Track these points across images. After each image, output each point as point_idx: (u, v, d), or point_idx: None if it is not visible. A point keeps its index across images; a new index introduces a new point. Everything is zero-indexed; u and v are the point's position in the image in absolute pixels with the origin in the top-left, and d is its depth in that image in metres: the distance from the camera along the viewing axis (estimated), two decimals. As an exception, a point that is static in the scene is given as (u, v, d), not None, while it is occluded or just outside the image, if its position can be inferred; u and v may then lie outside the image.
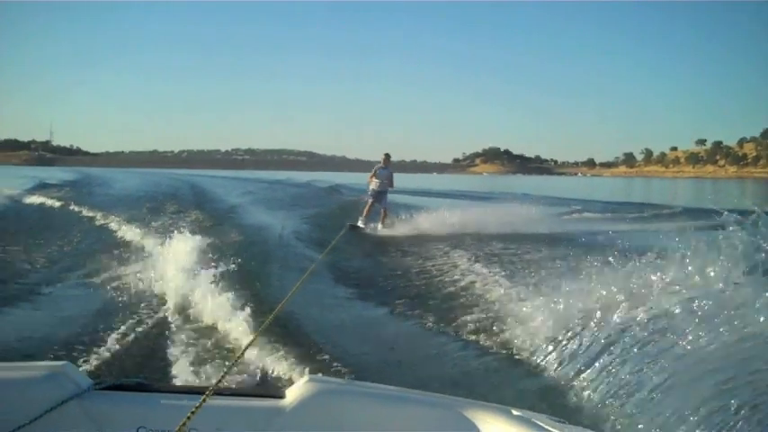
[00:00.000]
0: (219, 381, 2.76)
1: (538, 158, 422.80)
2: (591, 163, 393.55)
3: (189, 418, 2.38)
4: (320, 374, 3.94)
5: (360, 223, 20.28)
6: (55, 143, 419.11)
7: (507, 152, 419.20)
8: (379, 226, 20.34)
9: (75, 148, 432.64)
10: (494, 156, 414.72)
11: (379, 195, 20.65)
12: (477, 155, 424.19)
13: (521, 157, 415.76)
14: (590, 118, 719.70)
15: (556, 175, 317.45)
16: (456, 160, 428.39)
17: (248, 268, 11.07)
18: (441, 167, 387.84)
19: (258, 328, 7.72)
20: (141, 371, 6.75)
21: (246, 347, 4.29)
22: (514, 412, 2.82)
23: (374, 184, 20.58)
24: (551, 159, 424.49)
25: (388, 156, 20.99)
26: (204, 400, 2.50)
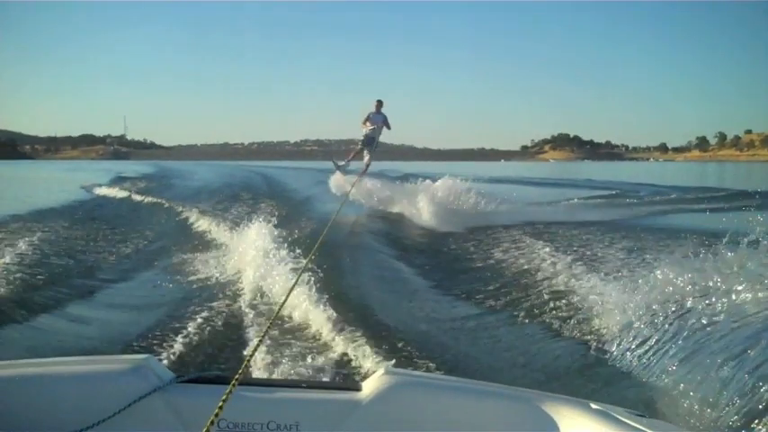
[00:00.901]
0: (243, 369, 2.69)
1: (608, 144, 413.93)
2: (663, 148, 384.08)
3: (220, 407, 2.34)
4: (396, 367, 3.89)
5: (342, 163, 21.36)
6: (129, 137, 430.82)
7: (577, 138, 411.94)
8: (364, 178, 21.06)
9: (148, 142, 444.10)
10: (563, 142, 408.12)
11: (370, 141, 20.99)
12: (545, 141, 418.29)
13: (591, 143, 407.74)
14: (663, 102, 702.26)
15: (627, 160, 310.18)
16: (524, 147, 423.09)
17: (323, 257, 11.05)
18: (508, 155, 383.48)
19: (335, 318, 7.77)
20: (218, 362, 6.81)
21: (266, 330, 4.26)
22: (593, 406, 2.76)
23: (367, 129, 20.83)
24: (622, 145, 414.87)
25: (380, 102, 21.14)
26: (230, 391, 2.45)
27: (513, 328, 8.57)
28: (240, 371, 2.61)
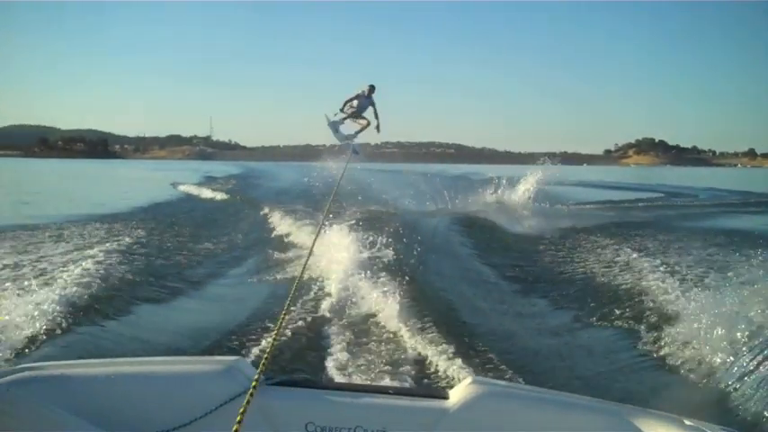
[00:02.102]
0: (260, 374, 2.71)
1: (695, 149, 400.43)
2: (752, 153, 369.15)
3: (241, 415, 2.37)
4: (481, 375, 3.82)
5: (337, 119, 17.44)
6: (214, 138, 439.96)
7: (662, 143, 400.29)
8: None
9: (233, 142, 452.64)
10: (648, 146, 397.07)
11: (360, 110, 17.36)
12: (630, 146, 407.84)
13: (676, 148, 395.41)
14: (754, 106, 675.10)
15: (713, 166, 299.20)
16: (607, 151, 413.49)
17: (408, 261, 11.04)
18: (591, 159, 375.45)
19: (410, 326, 7.75)
20: (302, 364, 6.84)
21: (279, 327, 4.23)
22: (687, 422, 2.68)
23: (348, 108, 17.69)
24: (709, 150, 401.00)
25: (372, 87, 17.97)
26: (249, 401, 2.47)
27: (600, 338, 8.40)
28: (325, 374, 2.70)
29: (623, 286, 10.66)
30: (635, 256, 12.95)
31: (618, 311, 9.25)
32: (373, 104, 16.44)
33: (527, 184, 31.18)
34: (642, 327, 8.44)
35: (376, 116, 16.34)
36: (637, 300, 9.65)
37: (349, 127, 16.09)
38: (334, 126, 16.09)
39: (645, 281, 10.59)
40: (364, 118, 16.09)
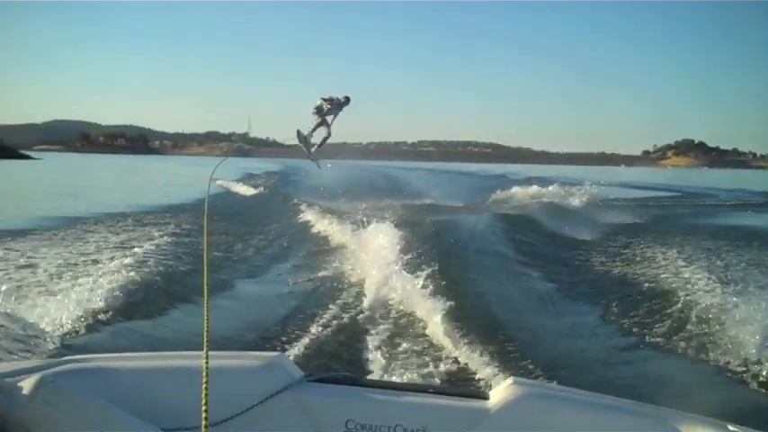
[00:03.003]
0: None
1: (735, 151, 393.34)
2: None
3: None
4: (521, 377, 3.80)
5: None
6: (252, 135, 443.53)
7: (702, 144, 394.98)
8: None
9: (270, 139, 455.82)
10: (687, 148, 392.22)
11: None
12: (668, 147, 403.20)
13: (716, 150, 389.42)
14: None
15: (753, 168, 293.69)
16: (646, 152, 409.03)
17: (446, 261, 11.00)
18: (629, 159, 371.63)
19: (450, 325, 7.69)
20: (341, 362, 6.87)
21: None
22: (731, 428, 2.62)
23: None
24: (750, 152, 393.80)
25: (348, 99, 16.92)
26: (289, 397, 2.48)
27: (641, 341, 8.26)
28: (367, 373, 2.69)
29: (666, 288, 10.56)
30: (676, 256, 12.93)
31: (661, 314, 9.16)
32: (336, 116, 16.21)
33: (564, 186, 31.21)
34: (685, 330, 8.36)
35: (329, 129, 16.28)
36: (680, 303, 9.53)
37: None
38: (307, 141, 15.85)
39: (688, 284, 10.51)
40: (328, 128, 16.03)
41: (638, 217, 23.64)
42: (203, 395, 2.37)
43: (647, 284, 11.08)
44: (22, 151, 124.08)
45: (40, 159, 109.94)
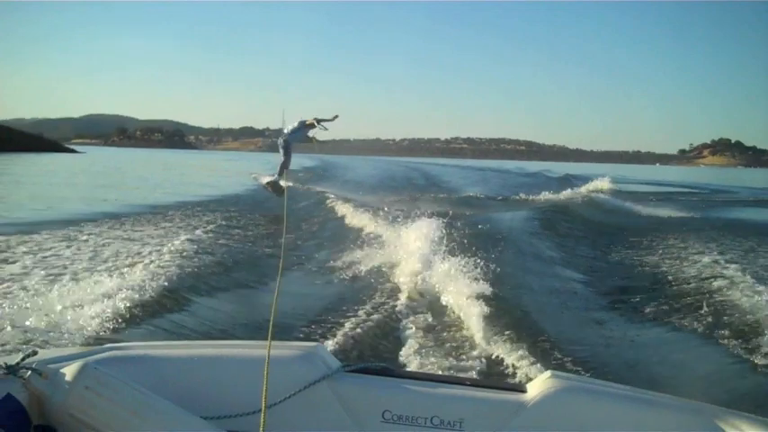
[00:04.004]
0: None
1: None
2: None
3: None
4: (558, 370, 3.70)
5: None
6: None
7: (738, 143, 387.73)
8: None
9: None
10: (723, 147, 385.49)
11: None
12: (705, 146, 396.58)
13: (753, 149, 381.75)
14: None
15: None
16: (682, 151, 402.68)
17: (483, 255, 10.96)
18: (664, 158, 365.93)
19: (487, 319, 7.68)
20: (377, 353, 6.90)
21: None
22: None
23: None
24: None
25: (316, 120, 15.65)
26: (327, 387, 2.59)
27: (679, 337, 8.23)
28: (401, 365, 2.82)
29: (706, 287, 10.46)
30: (717, 254, 12.85)
31: (700, 310, 9.06)
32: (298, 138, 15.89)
33: (604, 183, 31.35)
34: (725, 327, 8.26)
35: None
36: (722, 300, 9.50)
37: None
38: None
39: (730, 281, 10.43)
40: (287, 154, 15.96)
41: (672, 212, 23.69)
42: (264, 382, 2.50)
43: (685, 280, 11.06)
44: (66, 145, 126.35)
45: (83, 153, 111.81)
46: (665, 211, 23.90)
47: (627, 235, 17.20)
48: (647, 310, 9.43)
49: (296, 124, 15.94)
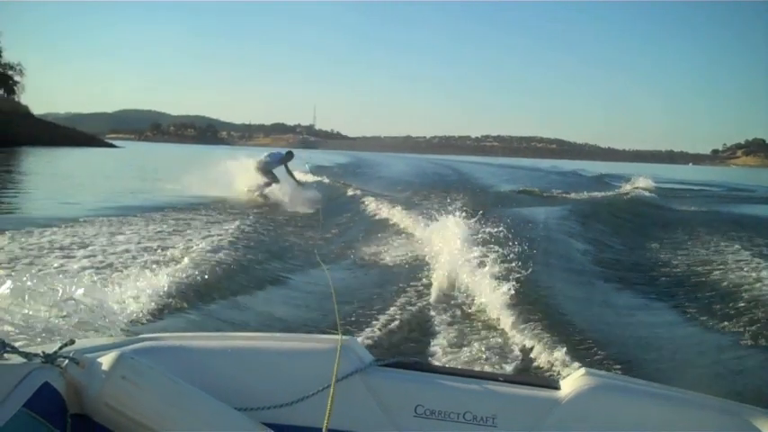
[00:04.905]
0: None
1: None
2: None
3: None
4: (592, 368, 3.63)
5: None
6: (317, 127, 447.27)
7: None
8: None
9: (335, 132, 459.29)
10: (757, 147, 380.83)
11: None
12: (738, 146, 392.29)
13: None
14: None
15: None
16: (715, 151, 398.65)
17: (516, 251, 10.89)
18: (697, 158, 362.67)
19: (525, 318, 7.67)
20: (409, 348, 6.92)
21: None
22: None
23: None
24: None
25: (289, 153, 23.38)
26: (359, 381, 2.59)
27: (714, 335, 8.15)
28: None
29: (756, 291, 10.15)
30: (748, 253, 12.77)
31: (737, 308, 8.99)
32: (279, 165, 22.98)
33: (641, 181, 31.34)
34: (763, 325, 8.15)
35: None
36: (756, 296, 9.42)
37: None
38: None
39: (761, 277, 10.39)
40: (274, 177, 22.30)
41: (701, 209, 23.52)
42: (333, 374, 2.53)
43: (733, 283, 10.80)
44: (104, 139, 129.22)
45: (123, 147, 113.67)
46: (708, 211, 23.65)
47: (668, 234, 17.02)
48: (687, 310, 9.29)
49: (282, 154, 22.96)
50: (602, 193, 30.83)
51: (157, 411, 2.38)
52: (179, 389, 2.48)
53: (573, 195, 29.10)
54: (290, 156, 23.06)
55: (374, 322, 7.70)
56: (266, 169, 22.42)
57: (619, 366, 6.42)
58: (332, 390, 2.39)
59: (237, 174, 22.97)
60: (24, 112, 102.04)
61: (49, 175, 36.52)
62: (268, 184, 22.17)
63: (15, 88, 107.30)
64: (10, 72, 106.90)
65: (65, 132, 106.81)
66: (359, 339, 6.62)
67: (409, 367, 2.91)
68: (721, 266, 11.94)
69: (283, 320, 7.95)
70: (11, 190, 25.39)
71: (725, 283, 10.59)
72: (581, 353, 6.69)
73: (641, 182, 33.52)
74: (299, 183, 22.80)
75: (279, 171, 22.71)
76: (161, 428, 2.36)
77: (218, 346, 2.90)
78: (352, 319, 7.87)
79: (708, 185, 50.33)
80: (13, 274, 8.19)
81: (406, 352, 6.65)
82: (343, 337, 2.91)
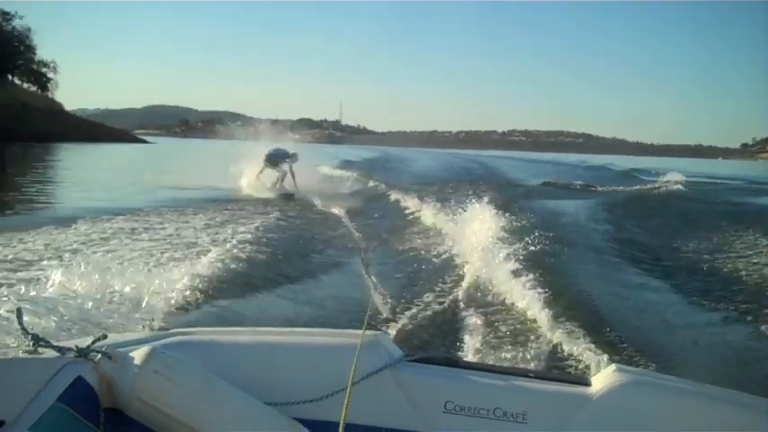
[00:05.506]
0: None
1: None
2: None
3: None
4: (622, 364, 3.51)
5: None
6: (343, 123, 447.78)
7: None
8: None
9: (361, 127, 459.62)
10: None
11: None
12: (767, 140, 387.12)
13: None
14: None
15: None
16: (744, 145, 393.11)
17: (547, 245, 10.98)
18: (727, 153, 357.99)
19: (554, 314, 7.59)
20: (438, 344, 6.92)
21: None
22: None
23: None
24: None
25: (295, 154, 23.65)
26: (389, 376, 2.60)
27: (747, 332, 8.05)
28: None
29: None
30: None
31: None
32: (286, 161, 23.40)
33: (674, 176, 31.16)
34: None
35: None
36: None
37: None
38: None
39: None
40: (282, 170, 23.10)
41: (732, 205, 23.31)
42: (352, 368, 2.50)
43: (750, 275, 10.89)
44: (136, 135, 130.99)
45: (154, 143, 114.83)
46: (750, 206, 23.38)
47: (704, 230, 16.68)
48: (715, 303, 9.25)
49: (285, 150, 23.66)
50: (637, 187, 30.64)
51: (189, 405, 2.42)
52: (210, 383, 2.53)
53: (606, 188, 28.97)
54: (295, 157, 23.57)
55: (404, 317, 7.71)
56: (273, 161, 23.25)
57: (650, 363, 6.36)
58: (349, 384, 2.39)
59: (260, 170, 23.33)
60: (58, 109, 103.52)
61: (103, 170, 37.68)
62: (281, 173, 23.13)
63: (49, 85, 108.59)
64: (44, 69, 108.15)
65: (98, 128, 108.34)
66: (389, 334, 6.67)
67: (439, 363, 2.93)
68: (754, 265, 11.77)
69: (313, 315, 7.98)
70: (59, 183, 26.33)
71: (758, 282, 10.42)
72: (613, 349, 6.64)
73: (674, 177, 33.37)
74: (296, 188, 22.99)
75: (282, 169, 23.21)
76: (193, 422, 2.41)
77: (248, 341, 2.93)
78: (381, 315, 7.86)
79: (736, 179, 49.71)
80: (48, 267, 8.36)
81: (435, 347, 6.68)
82: (373, 332, 2.95)
